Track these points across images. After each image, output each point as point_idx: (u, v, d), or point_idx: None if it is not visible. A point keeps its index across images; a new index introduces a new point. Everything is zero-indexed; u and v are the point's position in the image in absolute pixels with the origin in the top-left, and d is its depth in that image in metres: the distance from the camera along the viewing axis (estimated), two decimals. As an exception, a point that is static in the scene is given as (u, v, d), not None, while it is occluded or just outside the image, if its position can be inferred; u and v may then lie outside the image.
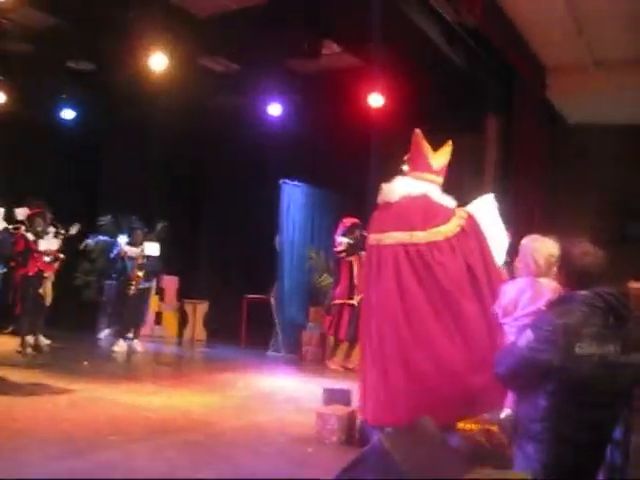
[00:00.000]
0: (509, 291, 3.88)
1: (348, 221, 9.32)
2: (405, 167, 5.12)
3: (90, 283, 12.02)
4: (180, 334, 12.25)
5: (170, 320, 12.48)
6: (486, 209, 4.89)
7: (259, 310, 11.13)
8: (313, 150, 11.22)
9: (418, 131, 5.12)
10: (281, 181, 10.62)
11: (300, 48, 10.04)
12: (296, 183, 10.74)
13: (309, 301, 10.77)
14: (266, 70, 11.13)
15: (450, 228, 4.63)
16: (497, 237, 4.73)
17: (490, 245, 4.67)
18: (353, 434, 5.06)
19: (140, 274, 9.71)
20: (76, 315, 11.80)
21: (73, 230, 9.53)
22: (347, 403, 5.70)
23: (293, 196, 10.75)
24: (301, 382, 7.94)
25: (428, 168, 5.01)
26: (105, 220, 11.86)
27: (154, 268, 10.05)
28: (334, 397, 5.80)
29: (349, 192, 10.51)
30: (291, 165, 10.91)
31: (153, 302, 12.27)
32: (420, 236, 4.60)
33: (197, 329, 12.23)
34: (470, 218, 4.71)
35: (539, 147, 11.23)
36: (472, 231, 4.66)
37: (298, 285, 10.65)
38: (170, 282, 12.67)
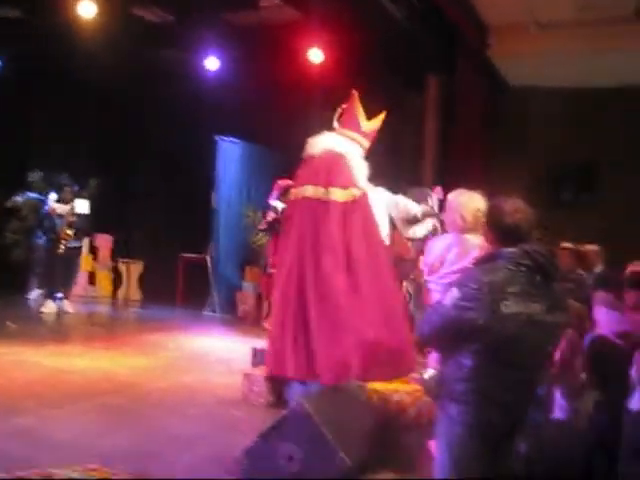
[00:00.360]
0: (436, 247, 3.77)
1: (283, 183, 8.69)
2: (335, 124, 5.02)
3: (19, 242, 11.53)
4: (114, 294, 11.95)
5: (104, 280, 12.11)
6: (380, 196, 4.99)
7: (195, 269, 10.91)
8: (251, 106, 10.90)
9: (355, 92, 5.08)
10: (217, 137, 10.30)
11: (237, -2, 9.70)
12: (232, 139, 10.43)
13: (245, 260, 10.58)
14: (203, 22, 10.73)
15: (346, 194, 4.58)
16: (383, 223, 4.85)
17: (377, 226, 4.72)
18: (281, 396, 4.96)
19: (70, 232, 9.33)
20: (5, 275, 11.36)
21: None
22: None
23: (230, 153, 10.47)
24: (235, 342, 7.78)
25: (356, 128, 4.95)
26: (34, 176, 11.33)
27: (84, 226, 9.66)
28: (263, 358, 5.67)
29: (288, 150, 10.24)
30: (228, 121, 10.60)
31: (86, 262, 11.91)
32: (320, 192, 4.58)
33: (131, 289, 11.93)
34: (364, 193, 4.68)
35: (480, 108, 11.18)
36: (363, 205, 4.63)
37: (234, 244, 10.45)
38: (104, 241, 12.27)
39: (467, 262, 3.43)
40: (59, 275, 9.65)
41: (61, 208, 9.40)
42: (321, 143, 4.79)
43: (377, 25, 10.27)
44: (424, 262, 3.83)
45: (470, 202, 3.74)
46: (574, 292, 4.05)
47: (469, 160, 10.87)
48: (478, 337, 2.70)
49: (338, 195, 4.55)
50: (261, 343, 7.04)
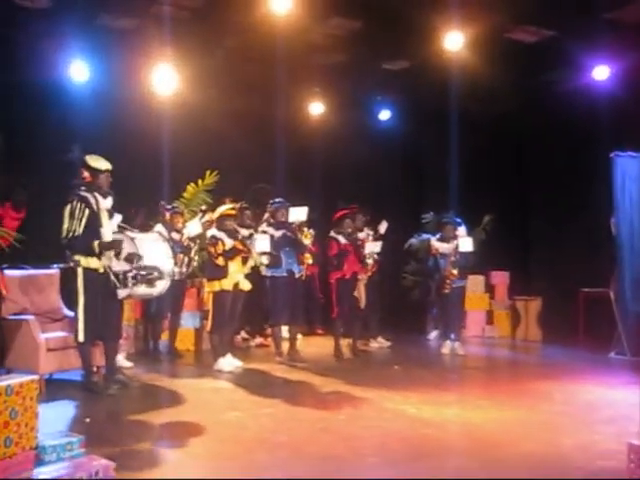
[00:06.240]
0: None
1: None
2: None
3: (418, 283, 11.65)
4: (513, 334, 11.24)
5: (502, 319, 11.51)
6: None
7: (599, 306, 9.58)
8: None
9: None
10: (613, 154, 8.95)
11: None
12: (631, 154, 8.95)
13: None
14: (588, 28, 9.59)
15: None
16: None
17: None
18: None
19: (454, 272, 8.98)
20: (406, 316, 11.60)
21: (381, 229, 9.34)
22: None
23: (628, 169, 8.98)
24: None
25: None
26: (428, 217, 11.46)
27: (467, 264, 9.20)
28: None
29: None
30: (625, 133, 9.24)
31: (483, 301, 11.51)
32: None
33: (531, 328, 11.04)
34: None
35: None
36: None
37: (642, 274, 8.81)
38: (500, 277, 11.72)
39: None
40: (449, 316, 9.41)
41: (443, 247, 9.15)
42: None
43: None
44: None
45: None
46: None
47: None
48: None
49: None
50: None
